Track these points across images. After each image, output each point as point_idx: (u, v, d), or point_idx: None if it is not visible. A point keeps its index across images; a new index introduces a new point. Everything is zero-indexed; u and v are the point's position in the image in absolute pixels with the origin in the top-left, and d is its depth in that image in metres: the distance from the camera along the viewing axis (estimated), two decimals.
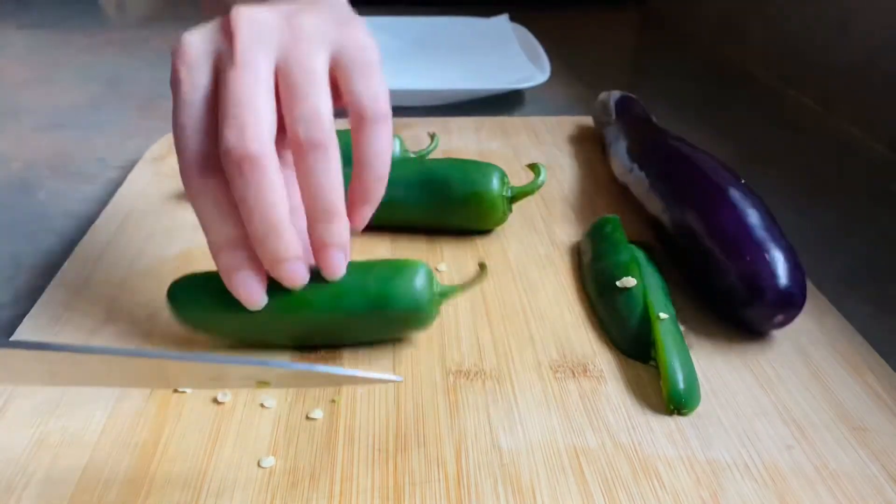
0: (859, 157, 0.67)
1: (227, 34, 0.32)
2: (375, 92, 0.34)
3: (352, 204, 0.35)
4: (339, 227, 0.34)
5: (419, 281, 0.36)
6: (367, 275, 0.36)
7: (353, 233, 0.35)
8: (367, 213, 0.36)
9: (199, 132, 0.32)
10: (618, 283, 0.40)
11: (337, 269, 0.35)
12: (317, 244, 0.34)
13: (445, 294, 0.38)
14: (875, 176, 0.63)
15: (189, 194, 0.33)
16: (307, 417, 0.34)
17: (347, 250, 0.35)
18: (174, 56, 0.33)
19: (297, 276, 0.34)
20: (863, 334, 0.40)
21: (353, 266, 0.36)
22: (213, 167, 0.32)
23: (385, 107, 0.34)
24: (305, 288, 0.35)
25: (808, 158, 0.66)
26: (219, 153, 0.31)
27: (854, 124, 0.72)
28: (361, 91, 0.34)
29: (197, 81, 0.32)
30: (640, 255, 0.43)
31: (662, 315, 0.38)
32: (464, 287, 0.38)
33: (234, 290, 0.34)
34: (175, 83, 0.32)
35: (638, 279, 0.40)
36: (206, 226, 0.33)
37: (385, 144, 0.34)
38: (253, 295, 0.34)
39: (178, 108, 0.32)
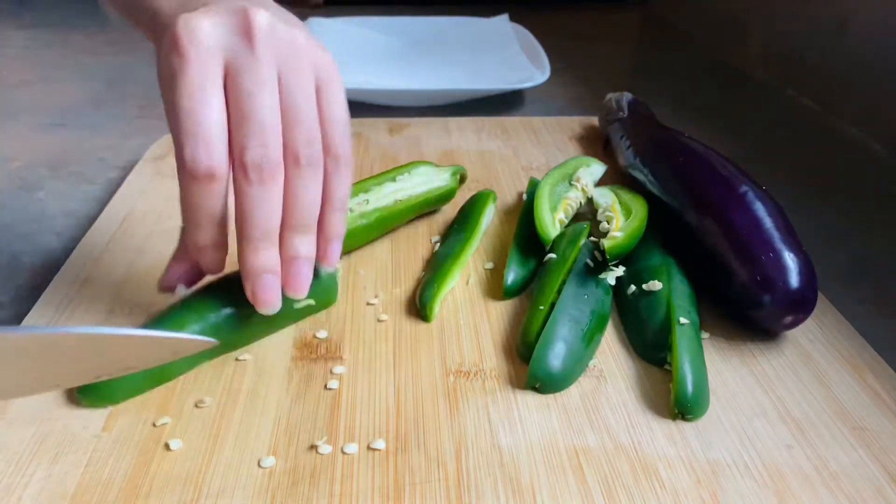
0: (859, 157, 0.67)
1: (247, 37, 0.32)
2: (344, 131, 0.35)
3: (325, 242, 0.37)
4: (314, 242, 0.36)
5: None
6: None
7: (328, 268, 0.38)
8: (338, 249, 0.38)
9: (220, 126, 0.31)
10: (644, 287, 0.40)
11: (307, 283, 0.36)
12: (292, 256, 0.35)
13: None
14: (875, 176, 0.63)
15: (211, 187, 0.32)
16: (307, 417, 0.34)
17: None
18: (182, 37, 0.31)
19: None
20: (863, 334, 0.40)
21: None
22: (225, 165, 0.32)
23: (349, 149, 0.36)
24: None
25: (807, 158, 0.66)
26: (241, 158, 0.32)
27: (854, 124, 0.72)
28: (335, 130, 0.35)
29: (210, 72, 0.31)
30: (672, 260, 0.43)
31: (683, 320, 0.38)
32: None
33: (262, 290, 0.35)
34: (184, 65, 0.31)
35: (665, 284, 0.40)
36: (250, 217, 0.33)
37: (349, 185, 0.36)
38: (277, 297, 0.35)
39: (194, 92, 0.31)
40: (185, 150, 0.31)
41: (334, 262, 0.38)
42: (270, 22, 0.32)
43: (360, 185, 0.49)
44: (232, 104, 0.32)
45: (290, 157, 0.33)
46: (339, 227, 0.37)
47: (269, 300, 0.35)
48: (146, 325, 0.37)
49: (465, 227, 0.47)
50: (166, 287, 0.37)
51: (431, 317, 0.41)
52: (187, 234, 0.34)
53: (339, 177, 0.35)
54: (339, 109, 0.35)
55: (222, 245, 0.35)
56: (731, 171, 0.44)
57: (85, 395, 0.34)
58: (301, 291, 0.36)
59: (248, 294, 0.35)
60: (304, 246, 0.35)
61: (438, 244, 0.47)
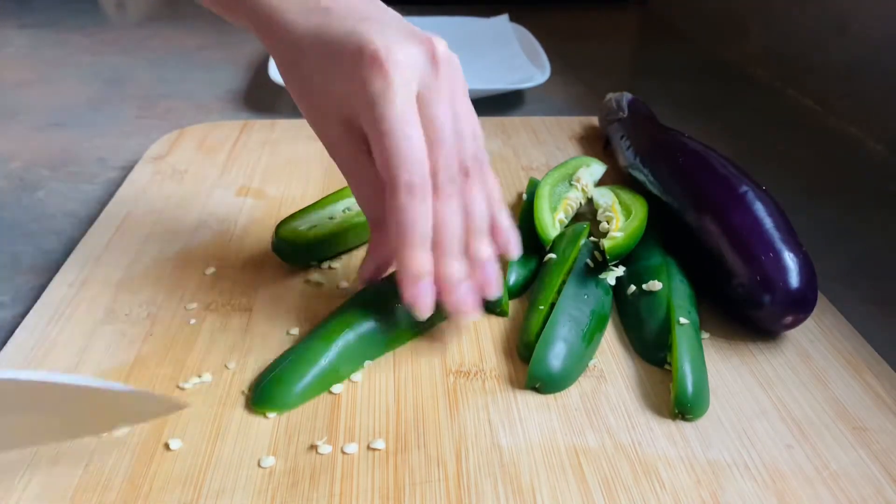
0: (859, 157, 0.67)
1: (434, 65, 0.34)
2: (481, 141, 0.38)
3: (504, 235, 0.39)
4: (491, 244, 0.38)
5: None
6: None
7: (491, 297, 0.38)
8: (515, 238, 0.39)
9: (424, 146, 0.34)
10: (644, 287, 0.40)
11: (499, 281, 0.38)
12: (481, 260, 0.37)
13: None
14: (874, 176, 0.63)
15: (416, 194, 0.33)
16: (307, 417, 0.34)
17: None
18: (386, 61, 0.33)
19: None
20: (863, 334, 0.40)
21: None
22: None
23: (485, 154, 0.38)
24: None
25: (807, 158, 0.66)
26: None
27: (853, 124, 0.72)
28: (478, 141, 0.37)
29: (411, 97, 0.34)
30: (672, 261, 0.43)
31: (683, 320, 0.38)
32: None
33: (465, 299, 0.36)
34: (390, 90, 0.33)
35: (665, 284, 0.40)
36: (449, 231, 0.35)
37: (497, 183, 0.39)
38: (475, 302, 0.37)
39: (403, 114, 0.33)
40: (404, 169, 0.32)
41: (517, 249, 0.39)
42: (447, 52, 0.35)
43: None
44: (425, 127, 0.34)
45: (462, 172, 0.35)
46: (507, 221, 0.39)
47: (470, 308, 0.36)
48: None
49: None
50: (367, 279, 0.40)
51: (507, 310, 0.41)
52: (401, 248, 0.34)
53: (490, 179, 0.38)
54: (477, 123, 0.38)
55: (428, 248, 0.36)
56: (731, 171, 0.44)
57: (259, 403, 0.34)
58: (497, 290, 0.37)
59: (451, 305, 0.36)
60: (486, 249, 0.37)
61: None
